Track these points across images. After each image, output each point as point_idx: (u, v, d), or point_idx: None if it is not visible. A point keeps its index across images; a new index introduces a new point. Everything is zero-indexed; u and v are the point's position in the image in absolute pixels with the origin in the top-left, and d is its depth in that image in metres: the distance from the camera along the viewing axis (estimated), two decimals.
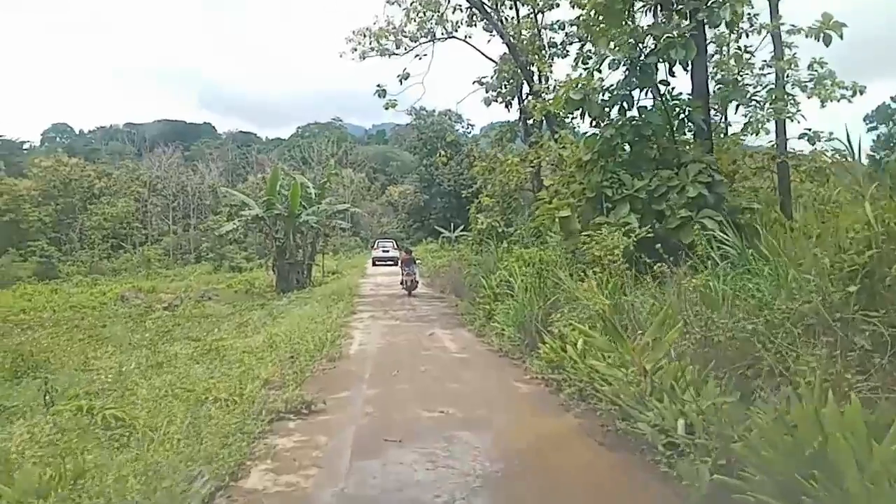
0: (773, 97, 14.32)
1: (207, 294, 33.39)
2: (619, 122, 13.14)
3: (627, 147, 13.50)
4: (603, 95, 13.54)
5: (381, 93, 22.16)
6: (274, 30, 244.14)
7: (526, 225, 19.90)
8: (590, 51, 17.95)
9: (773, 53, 14.55)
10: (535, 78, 23.22)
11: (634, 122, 13.14)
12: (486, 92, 25.79)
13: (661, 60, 12.75)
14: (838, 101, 14.34)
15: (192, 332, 18.01)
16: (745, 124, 15.66)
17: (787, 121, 14.22)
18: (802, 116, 14.22)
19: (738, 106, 15.06)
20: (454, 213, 56.57)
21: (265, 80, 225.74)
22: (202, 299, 31.77)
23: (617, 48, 12.72)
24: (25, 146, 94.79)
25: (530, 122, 25.10)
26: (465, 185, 59.32)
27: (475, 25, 24.88)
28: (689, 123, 13.59)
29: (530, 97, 24.38)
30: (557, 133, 22.76)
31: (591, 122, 13.98)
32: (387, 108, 22.35)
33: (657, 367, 6.17)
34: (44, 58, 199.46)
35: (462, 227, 48.46)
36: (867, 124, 49.95)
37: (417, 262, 26.32)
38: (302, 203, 32.04)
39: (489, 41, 23.92)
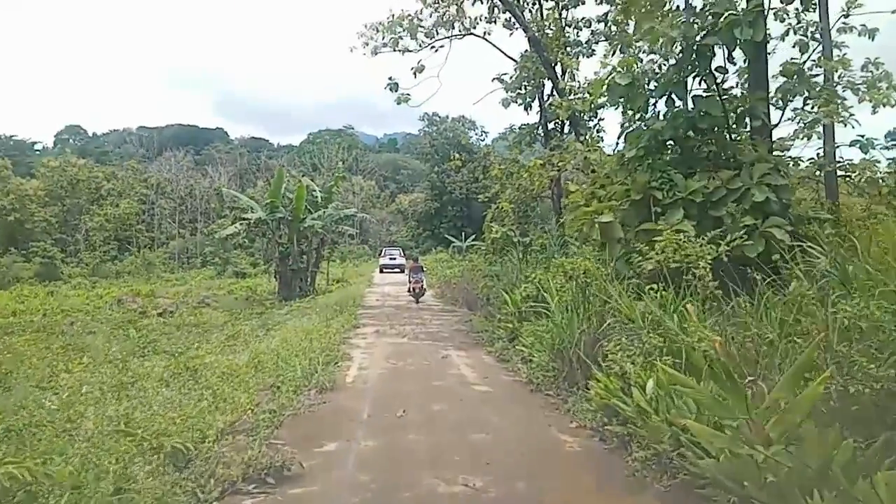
0: (823, 99, 12.18)
1: (206, 300, 31.54)
2: (671, 114, 11.06)
3: (674, 143, 11.46)
4: (649, 85, 11.50)
5: (393, 86, 20.16)
6: (289, 38, 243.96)
7: (550, 233, 17.89)
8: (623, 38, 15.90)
9: (821, 53, 12.47)
10: (560, 76, 21.22)
11: (688, 114, 11.06)
12: (506, 92, 23.73)
13: (719, 44, 10.71)
14: (893, 106, 12.31)
15: (176, 344, 16.03)
16: (795, 129, 13.55)
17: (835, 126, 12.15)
18: (856, 121, 12.12)
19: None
20: (465, 222, 54.63)
21: (279, 88, 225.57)
22: (200, 305, 29.94)
23: (670, 27, 10.65)
24: (37, 147, 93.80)
25: (551, 125, 23.11)
26: (478, 193, 57.57)
27: (495, 22, 22.94)
28: (747, 118, 11.53)
29: (553, 97, 22.42)
30: (583, 135, 20.70)
31: (631, 116, 11.97)
32: (399, 103, 20.35)
33: (788, 434, 4.06)
34: (60, 60, 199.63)
35: (473, 236, 46.42)
36: (887, 141, 47.51)
37: (424, 270, 25.47)
38: (307, 207, 30.12)
39: (511, 34, 21.84)
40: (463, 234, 48.43)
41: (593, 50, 22.92)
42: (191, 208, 67.39)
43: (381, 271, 44.34)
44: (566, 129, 23.11)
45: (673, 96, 11.36)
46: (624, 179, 11.41)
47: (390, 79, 20.48)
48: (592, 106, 20.49)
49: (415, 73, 20.17)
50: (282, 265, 29.01)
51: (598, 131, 20.48)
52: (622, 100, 11.50)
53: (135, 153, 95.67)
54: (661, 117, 11.20)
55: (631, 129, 12.17)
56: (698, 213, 10.31)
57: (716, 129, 11.25)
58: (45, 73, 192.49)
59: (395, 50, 22.35)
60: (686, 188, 10.53)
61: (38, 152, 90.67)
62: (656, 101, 12.20)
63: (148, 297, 34.25)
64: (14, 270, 49.91)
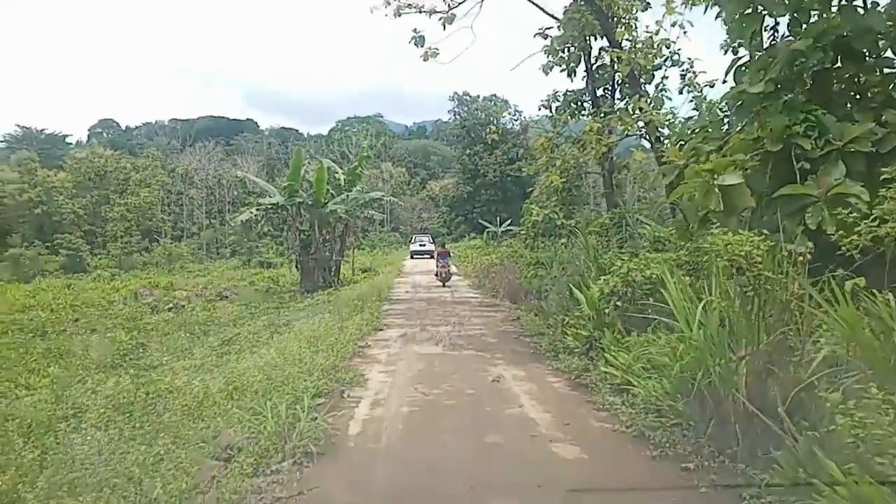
0: None
1: (225, 293, 28.72)
2: (817, 31, 7.57)
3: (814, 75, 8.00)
4: None
5: (419, 40, 16.62)
6: (320, 28, 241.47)
7: (622, 212, 14.53)
8: None
9: None
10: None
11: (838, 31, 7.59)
12: (547, 56, 20.06)
13: None
14: None
15: (162, 351, 13.08)
16: None
17: None
18: None
19: None
20: (500, 206, 51.00)
21: (309, 79, 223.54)
22: (217, 299, 27.13)
23: None
24: (69, 140, 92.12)
25: (600, 91, 19.47)
26: (514, 176, 53.79)
27: None
28: None
29: (602, 59, 18.86)
30: (644, 97, 17.08)
31: (749, 42, 8.59)
32: (425, 60, 16.79)
33: None
34: (95, 56, 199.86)
35: (509, 221, 42.88)
36: None
37: (450, 255, 25.37)
38: (330, 191, 26.97)
39: None
40: (498, 218, 44.90)
41: (648, 3, 19.17)
42: (219, 198, 64.79)
43: (412, 257, 44.37)
44: (617, 96, 19.44)
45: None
46: (746, 126, 7.92)
47: (415, 31, 16.99)
48: (659, 59, 16.91)
49: (444, 24, 16.65)
50: (303, 254, 25.95)
51: (661, 90, 16.84)
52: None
53: (166, 145, 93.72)
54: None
55: (746, 60, 8.66)
56: (867, 169, 6.89)
57: (875, 54, 7.75)
58: (80, 68, 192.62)
59: (420, 11, 18.87)
60: (842, 135, 7.11)
61: (70, 146, 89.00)
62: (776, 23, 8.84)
63: (166, 289, 31.67)
64: (39, 263, 47.76)
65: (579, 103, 20.30)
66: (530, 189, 50.34)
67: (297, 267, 26.94)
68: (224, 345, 12.37)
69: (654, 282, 7.33)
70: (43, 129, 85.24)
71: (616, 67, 18.97)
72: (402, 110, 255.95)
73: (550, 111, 20.03)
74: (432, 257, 28.86)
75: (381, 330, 11.99)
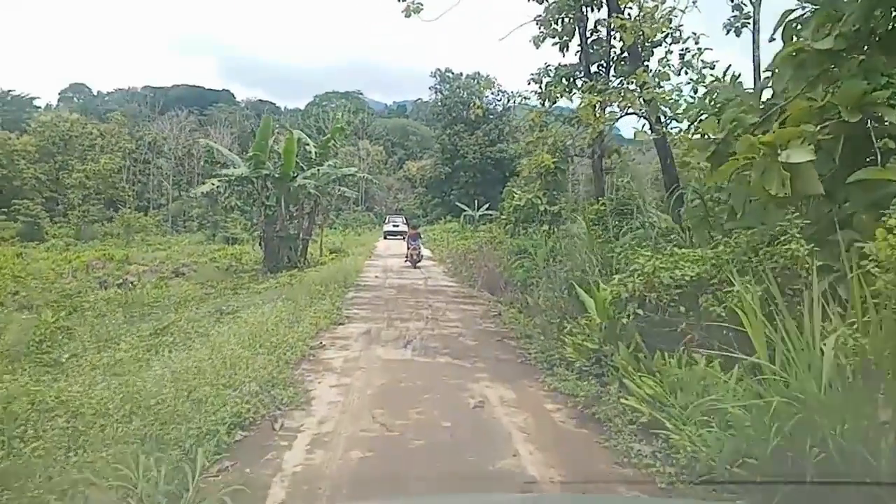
0: None
1: (183, 269, 26.57)
2: None
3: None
4: None
5: None
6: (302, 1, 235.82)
7: (626, 197, 12.85)
8: None
9: None
10: None
11: None
12: (538, 28, 18.15)
13: None
14: None
15: (86, 338, 11.08)
16: None
17: None
18: None
19: None
20: (479, 190, 48.92)
21: (288, 53, 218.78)
22: (173, 275, 24.99)
23: None
24: (37, 104, 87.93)
25: (594, 67, 17.66)
26: (494, 159, 51.71)
27: None
28: None
29: (599, 32, 17.16)
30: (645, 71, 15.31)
31: None
32: (408, 16, 14.83)
33: None
34: (70, 19, 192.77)
35: (487, 205, 41.04)
36: None
37: (421, 237, 26.27)
38: (300, 165, 24.87)
39: None
40: (476, 202, 42.97)
41: None
42: (188, 169, 61.88)
43: (385, 238, 43.43)
44: (613, 73, 17.63)
45: None
46: (806, 92, 6.19)
47: None
48: (666, 30, 15.10)
49: None
50: (268, 231, 23.86)
51: (665, 65, 15.08)
52: None
53: (138, 112, 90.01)
54: None
55: (800, 14, 6.90)
56: None
57: None
58: (53, 30, 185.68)
59: None
60: None
61: (39, 109, 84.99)
62: None
63: (120, 262, 29.40)
64: None
65: (571, 79, 18.35)
66: (510, 173, 48.63)
67: (260, 244, 24.89)
68: (156, 335, 10.44)
69: (684, 285, 5.62)
70: (9, 91, 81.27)
71: (612, 42, 17.20)
72: (381, 89, 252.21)
73: (540, 86, 18.06)
74: (405, 239, 27.64)
75: (341, 324, 10.16)
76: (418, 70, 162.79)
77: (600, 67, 17.57)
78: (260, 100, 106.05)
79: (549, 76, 18.33)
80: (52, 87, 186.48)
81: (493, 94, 46.37)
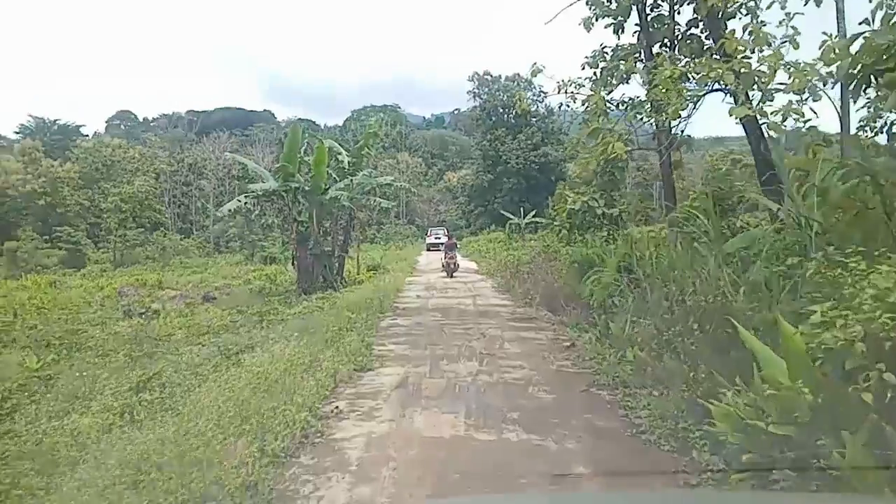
0: None
1: (214, 293, 24.60)
2: None
3: None
4: None
5: None
6: (339, 19, 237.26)
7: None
8: None
9: None
10: None
11: None
12: (589, 8, 15.41)
13: None
14: None
15: (63, 393, 8.82)
16: None
17: None
18: None
19: None
20: (524, 196, 45.98)
21: (327, 71, 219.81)
22: (202, 301, 22.98)
23: None
24: (84, 131, 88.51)
25: (656, 47, 14.86)
26: (538, 164, 48.54)
27: None
28: None
29: (661, 6, 14.42)
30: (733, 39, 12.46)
31: None
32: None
33: None
34: (116, 49, 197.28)
35: (534, 212, 38.20)
36: None
37: (458, 247, 27.26)
38: (332, 176, 22.62)
39: None
40: (522, 209, 40.16)
41: None
42: (230, 190, 60.68)
43: (428, 250, 42.59)
44: (677, 53, 14.71)
45: None
46: None
47: None
48: None
49: None
50: (300, 249, 21.59)
51: (761, 25, 12.17)
52: None
53: (182, 137, 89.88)
54: None
55: None
56: None
57: None
58: (101, 61, 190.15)
59: None
60: None
61: (86, 137, 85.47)
62: None
63: (152, 288, 27.68)
64: (37, 258, 43.98)
65: (632, 62, 15.46)
66: (556, 177, 45.61)
67: (292, 264, 22.66)
68: (136, 390, 8.10)
69: None
70: (56, 120, 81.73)
71: (676, 18, 14.47)
72: (419, 102, 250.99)
73: (596, 71, 15.25)
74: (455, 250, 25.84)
75: (369, 370, 7.59)
76: (455, 82, 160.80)
77: (663, 48, 14.75)
78: (300, 118, 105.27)
79: (606, 60, 15.44)
80: (99, 116, 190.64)
81: (534, 96, 43.45)
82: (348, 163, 22.62)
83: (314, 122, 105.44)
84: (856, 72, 6.32)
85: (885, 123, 8.01)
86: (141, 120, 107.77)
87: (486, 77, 50.27)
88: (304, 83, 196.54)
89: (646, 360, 6.83)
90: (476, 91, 50.93)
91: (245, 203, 21.61)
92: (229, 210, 21.84)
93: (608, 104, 15.33)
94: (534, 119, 48.49)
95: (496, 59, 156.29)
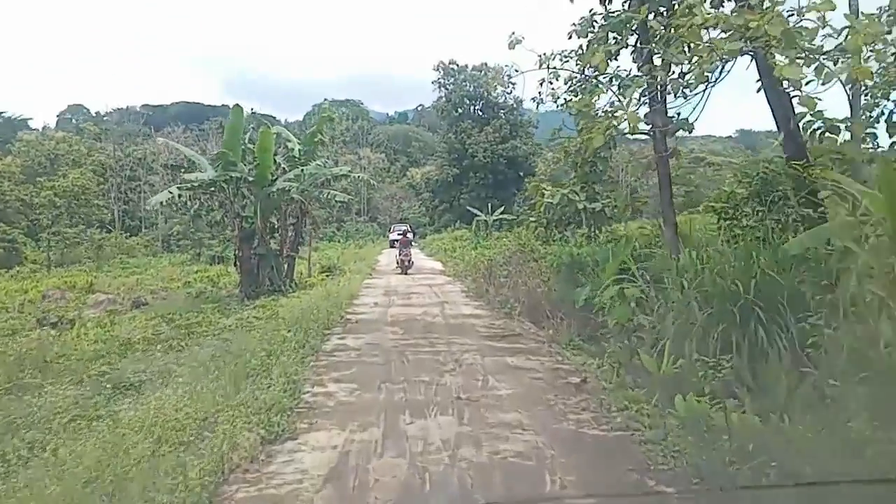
0: None
1: (146, 298, 21.49)
2: None
3: None
4: None
5: None
6: (303, 17, 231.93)
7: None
8: None
9: None
10: None
11: None
12: None
13: None
14: None
15: None
16: None
17: None
18: None
19: None
20: (491, 192, 43.38)
21: (288, 66, 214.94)
22: (132, 307, 19.91)
23: None
24: (33, 125, 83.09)
25: (651, 17, 12.35)
26: (506, 158, 45.83)
27: None
28: None
29: None
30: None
31: None
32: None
33: None
34: (69, 41, 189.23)
35: (501, 207, 35.63)
36: None
37: (413, 244, 27.59)
38: (282, 166, 19.77)
39: None
40: (489, 205, 37.63)
41: None
42: (179, 184, 56.75)
43: (391, 246, 40.07)
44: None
45: None
46: None
47: None
48: None
49: None
50: (244, 248, 18.64)
51: None
52: None
53: (136, 131, 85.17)
54: None
55: None
56: None
57: None
58: (52, 53, 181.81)
59: None
60: None
61: (35, 131, 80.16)
62: None
63: (82, 291, 24.38)
64: None
65: (623, 34, 12.80)
66: (525, 172, 43.12)
67: (235, 265, 19.68)
68: None
69: None
70: (1, 112, 76.44)
71: None
72: (382, 99, 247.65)
73: (583, 45, 12.56)
74: (410, 245, 25.20)
75: (289, 438, 4.85)
76: (419, 79, 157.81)
77: (658, 17, 12.21)
78: (260, 113, 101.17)
79: (594, 30, 12.73)
80: (50, 110, 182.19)
81: (502, 87, 40.69)
82: (299, 151, 19.74)
83: (274, 117, 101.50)
84: None
85: (882, 112, 7.93)
86: (94, 114, 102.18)
87: (451, 67, 47.41)
88: (264, 79, 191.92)
89: (706, 414, 4.46)
90: (441, 81, 47.98)
91: (179, 195, 18.56)
92: (160, 203, 18.72)
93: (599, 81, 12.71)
94: (502, 111, 45.90)
95: (462, 54, 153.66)
